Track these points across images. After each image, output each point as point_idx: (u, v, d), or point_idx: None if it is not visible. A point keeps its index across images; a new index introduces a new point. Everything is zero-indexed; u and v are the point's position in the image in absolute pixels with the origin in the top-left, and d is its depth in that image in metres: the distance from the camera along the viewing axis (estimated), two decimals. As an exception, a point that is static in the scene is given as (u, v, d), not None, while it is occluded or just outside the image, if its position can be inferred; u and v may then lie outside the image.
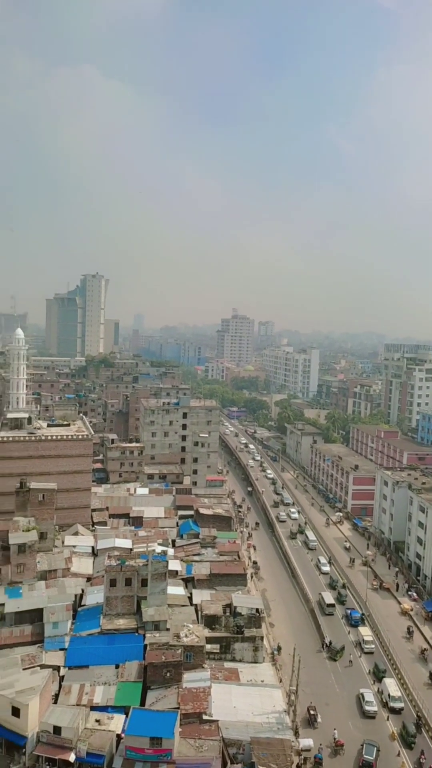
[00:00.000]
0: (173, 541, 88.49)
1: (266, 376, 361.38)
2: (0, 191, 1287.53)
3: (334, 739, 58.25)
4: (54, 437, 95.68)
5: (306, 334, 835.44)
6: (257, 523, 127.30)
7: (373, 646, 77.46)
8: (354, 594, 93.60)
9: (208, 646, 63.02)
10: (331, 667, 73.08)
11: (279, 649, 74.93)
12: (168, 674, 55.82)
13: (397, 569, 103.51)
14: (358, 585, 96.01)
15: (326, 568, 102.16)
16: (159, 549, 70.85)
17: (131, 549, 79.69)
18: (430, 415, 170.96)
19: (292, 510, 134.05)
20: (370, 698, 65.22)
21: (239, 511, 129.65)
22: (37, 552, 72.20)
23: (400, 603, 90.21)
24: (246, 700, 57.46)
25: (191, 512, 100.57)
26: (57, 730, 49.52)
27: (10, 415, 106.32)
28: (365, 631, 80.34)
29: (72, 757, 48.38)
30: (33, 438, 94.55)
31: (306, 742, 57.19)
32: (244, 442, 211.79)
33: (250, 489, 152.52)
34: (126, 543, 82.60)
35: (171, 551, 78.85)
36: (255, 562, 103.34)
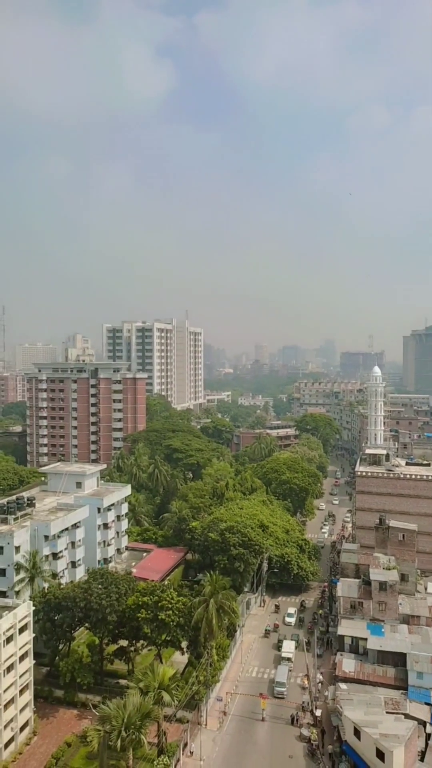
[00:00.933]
0: None
1: None
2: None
3: None
4: (413, 476, 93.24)
5: None
6: None
7: None
8: None
9: None
10: None
11: None
12: None
13: None
14: None
15: None
16: None
17: None
18: None
19: None
20: None
21: None
22: (398, 593, 70.69)
23: None
24: None
25: None
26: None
27: (368, 451, 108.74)
28: None
29: None
30: (392, 475, 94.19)
31: None
32: None
33: None
34: None
35: None
36: None
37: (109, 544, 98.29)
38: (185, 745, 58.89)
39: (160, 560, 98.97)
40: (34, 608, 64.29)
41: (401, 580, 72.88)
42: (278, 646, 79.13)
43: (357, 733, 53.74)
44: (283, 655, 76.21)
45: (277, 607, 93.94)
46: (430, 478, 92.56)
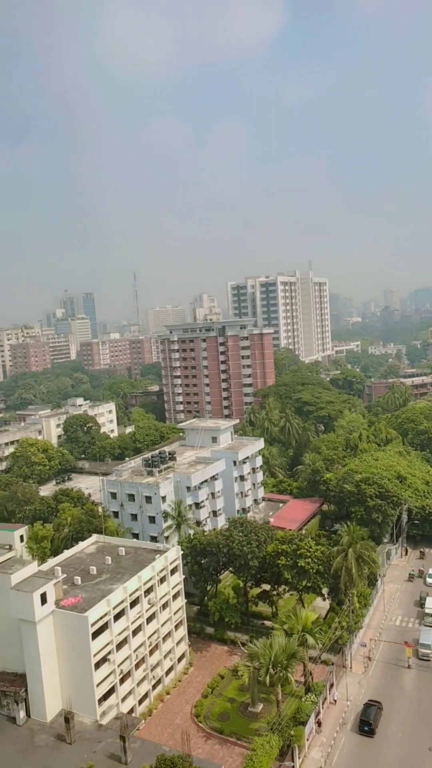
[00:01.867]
0: None
1: None
2: None
3: None
4: None
5: None
6: None
7: None
8: None
9: None
10: None
11: None
12: None
13: None
14: None
15: None
16: None
17: None
18: None
19: None
20: None
21: None
22: None
23: None
24: None
25: None
26: None
27: None
28: None
29: None
30: None
31: None
32: None
33: None
34: None
35: None
36: None
37: (246, 495, 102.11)
38: (331, 685, 61.02)
39: (296, 510, 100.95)
40: (182, 552, 69.39)
41: None
42: (421, 603, 77.17)
43: None
44: (427, 611, 73.86)
45: (422, 553, 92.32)
46: None
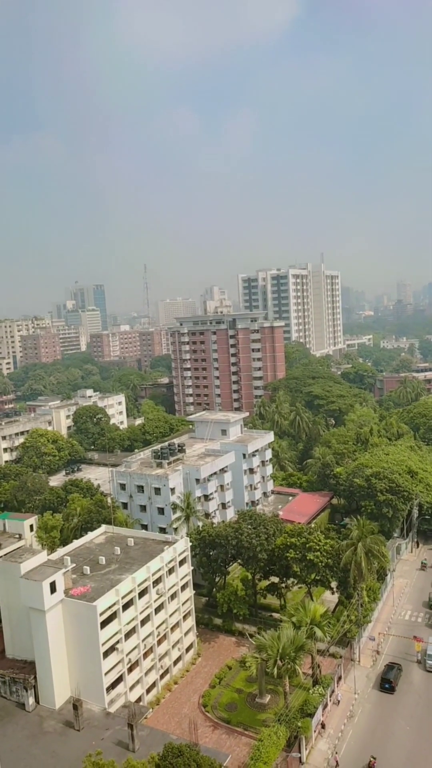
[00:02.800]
0: None
1: None
2: None
3: None
4: None
5: None
6: None
7: None
8: None
9: None
10: None
11: None
12: None
13: None
14: None
15: None
16: None
17: None
18: None
19: None
20: None
21: None
22: None
23: None
24: None
25: None
26: None
27: None
28: None
29: None
30: None
31: None
32: None
33: None
34: None
35: None
36: None
37: (255, 488, 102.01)
38: (339, 678, 60.96)
39: (305, 504, 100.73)
40: (191, 544, 69.46)
41: None
42: (429, 605, 75.64)
43: None
44: (430, 651, 68.52)
45: (423, 565, 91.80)
46: None
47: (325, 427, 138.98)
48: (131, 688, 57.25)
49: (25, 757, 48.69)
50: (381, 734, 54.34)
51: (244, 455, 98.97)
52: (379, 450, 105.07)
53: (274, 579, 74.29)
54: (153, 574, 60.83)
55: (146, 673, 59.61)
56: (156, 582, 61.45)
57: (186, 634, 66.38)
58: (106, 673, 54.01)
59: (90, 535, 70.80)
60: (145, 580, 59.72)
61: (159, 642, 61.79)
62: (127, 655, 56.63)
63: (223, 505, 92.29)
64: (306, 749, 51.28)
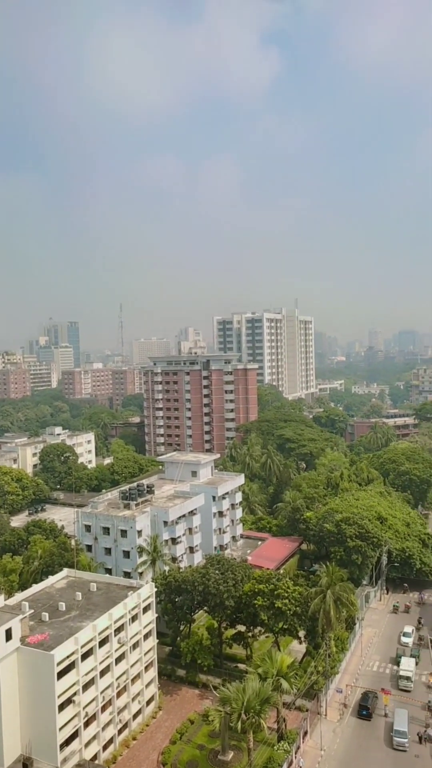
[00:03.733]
0: None
1: None
2: None
3: None
4: None
5: None
6: None
7: None
8: None
9: None
10: None
11: None
12: None
13: None
14: None
15: None
16: None
17: None
18: None
19: None
20: None
21: None
22: None
23: None
24: None
25: None
26: None
27: None
28: None
29: None
30: None
31: None
32: None
33: None
34: None
35: None
36: None
37: (224, 532, 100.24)
38: (305, 733, 58.73)
39: (274, 549, 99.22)
40: (156, 589, 67.31)
41: None
42: (396, 661, 72.44)
43: None
44: (402, 673, 68.02)
45: (405, 587, 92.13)
46: None
47: (296, 470, 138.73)
48: (87, 744, 54.04)
49: None
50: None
51: (214, 498, 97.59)
52: (349, 495, 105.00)
53: (241, 627, 72.16)
54: (115, 622, 58.44)
55: (103, 728, 56.47)
56: (118, 630, 58.99)
57: (147, 685, 63.50)
58: (60, 728, 50.94)
59: (51, 579, 68.03)
60: (107, 628, 57.27)
61: (118, 694, 58.88)
62: (84, 708, 53.66)
63: (191, 549, 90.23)
64: None
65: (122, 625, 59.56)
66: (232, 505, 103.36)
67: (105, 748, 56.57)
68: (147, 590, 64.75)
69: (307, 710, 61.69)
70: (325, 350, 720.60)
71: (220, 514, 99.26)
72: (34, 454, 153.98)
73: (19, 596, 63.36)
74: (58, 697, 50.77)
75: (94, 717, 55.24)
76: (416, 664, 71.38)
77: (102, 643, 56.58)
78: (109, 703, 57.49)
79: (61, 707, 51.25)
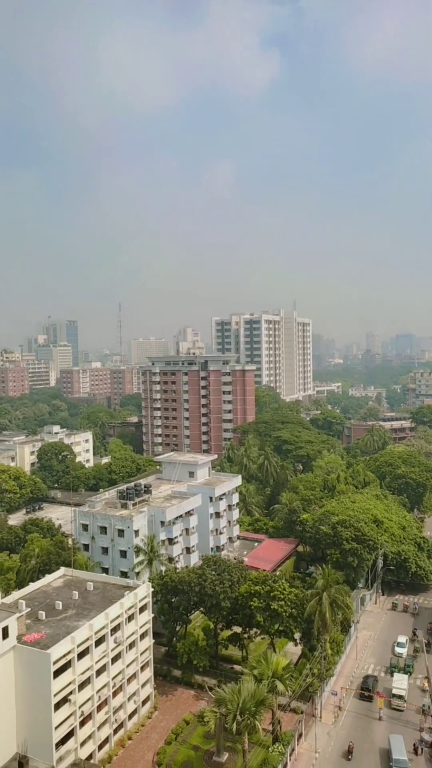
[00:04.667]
0: None
1: None
2: None
3: None
4: None
5: None
6: None
7: None
8: None
9: None
10: None
11: None
12: None
13: None
14: None
15: None
16: None
17: None
18: None
19: None
20: None
21: None
22: None
23: None
24: None
25: None
26: None
27: None
28: None
29: None
30: None
31: None
32: None
33: None
34: None
35: None
36: None
37: (221, 533, 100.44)
38: (300, 735, 58.92)
39: (271, 550, 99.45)
40: (152, 589, 67.44)
41: None
42: (390, 671, 71.72)
43: None
44: (394, 692, 65.64)
45: (394, 605, 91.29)
46: None
47: (293, 472, 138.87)
48: (82, 744, 54.15)
49: None
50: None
51: (211, 498, 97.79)
52: (345, 497, 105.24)
53: (237, 629, 72.35)
54: (111, 621, 58.57)
55: (99, 728, 56.60)
56: (114, 630, 59.12)
57: (143, 685, 63.62)
58: (56, 727, 51.04)
59: (48, 578, 68.13)
60: (103, 628, 57.40)
61: (114, 694, 59.01)
62: (79, 707, 53.77)
63: (188, 550, 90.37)
64: None
65: (118, 624, 59.69)
66: (229, 506, 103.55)
67: (100, 747, 56.70)
68: (143, 590, 64.89)
69: (302, 712, 61.90)
70: (322, 352, 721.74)
71: (217, 515, 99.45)
72: (32, 453, 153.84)
73: (15, 594, 63.45)
74: (54, 695, 50.89)
75: (89, 716, 55.37)
76: (409, 675, 70.35)
77: (98, 642, 56.71)
78: (105, 702, 57.61)
79: (57, 706, 51.37)
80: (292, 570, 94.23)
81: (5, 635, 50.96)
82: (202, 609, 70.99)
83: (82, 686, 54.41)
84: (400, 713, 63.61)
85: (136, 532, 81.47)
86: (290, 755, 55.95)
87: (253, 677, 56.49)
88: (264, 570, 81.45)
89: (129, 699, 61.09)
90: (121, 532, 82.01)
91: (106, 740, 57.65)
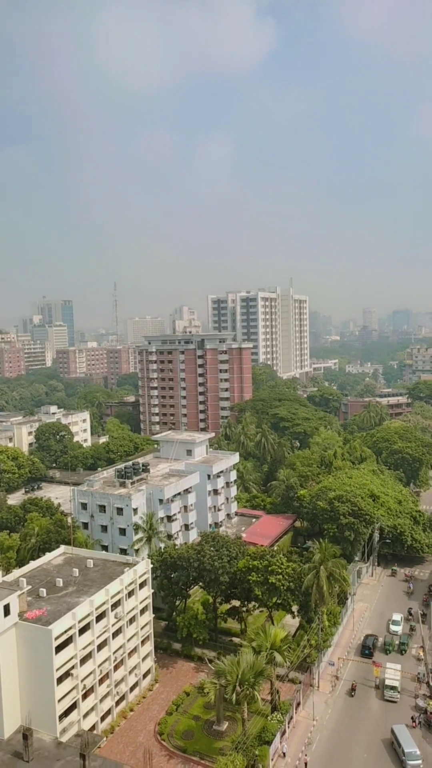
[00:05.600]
0: None
1: None
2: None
3: None
4: None
5: None
6: None
7: None
8: None
9: None
10: None
11: None
12: None
13: None
14: None
15: None
16: None
17: None
18: None
19: None
20: None
21: None
22: None
23: None
24: None
25: None
26: None
27: None
28: None
29: None
30: None
31: None
32: None
33: None
34: None
35: None
36: None
37: (219, 509, 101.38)
38: (298, 704, 60.30)
39: (269, 526, 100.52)
40: (152, 566, 68.24)
41: None
42: (386, 650, 71.10)
43: None
44: (387, 682, 63.19)
45: (393, 571, 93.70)
46: None
47: (291, 449, 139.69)
48: (85, 715, 55.34)
49: (-31, 791, 46.30)
50: (339, 762, 53.75)
51: (208, 476, 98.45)
52: (342, 473, 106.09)
53: (236, 602, 73.51)
54: (112, 597, 59.38)
55: (101, 700, 57.79)
56: (115, 605, 59.97)
57: (144, 659, 64.80)
58: (59, 700, 52.09)
59: (48, 556, 68.84)
60: (104, 604, 58.22)
61: (115, 667, 60.12)
62: (81, 681, 54.81)
63: (186, 527, 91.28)
64: (263, 779, 50.28)
65: (119, 600, 60.52)
66: (227, 484, 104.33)
67: (103, 719, 57.95)
68: (143, 566, 65.66)
69: (299, 682, 63.24)
70: (319, 329, 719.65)
71: (215, 492, 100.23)
72: (30, 433, 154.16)
73: (16, 573, 64.13)
74: (57, 670, 51.80)
75: (92, 689, 56.47)
76: (403, 653, 70.60)
77: (99, 618, 57.56)
78: (107, 676, 58.72)
79: (60, 680, 52.33)
80: (290, 545, 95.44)
81: (7, 612, 51.63)
82: (201, 584, 71.97)
83: (83, 660, 55.38)
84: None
85: (135, 510, 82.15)
86: (288, 723, 57.36)
87: (251, 649, 57.58)
88: (262, 545, 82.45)
89: (130, 672, 62.27)
90: (120, 510, 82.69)
91: (109, 712, 58.91)
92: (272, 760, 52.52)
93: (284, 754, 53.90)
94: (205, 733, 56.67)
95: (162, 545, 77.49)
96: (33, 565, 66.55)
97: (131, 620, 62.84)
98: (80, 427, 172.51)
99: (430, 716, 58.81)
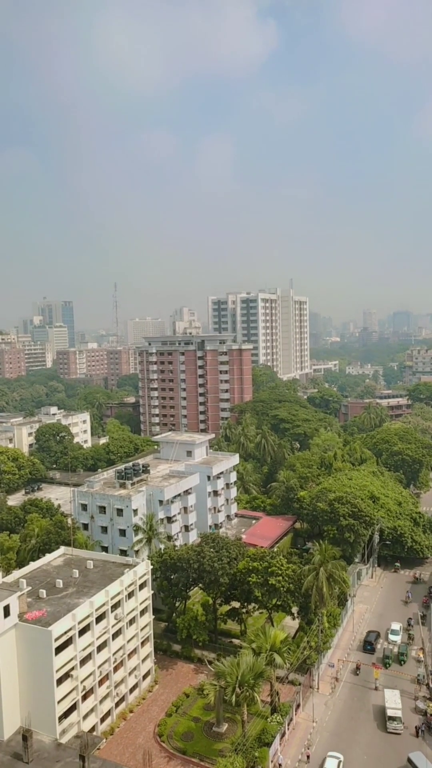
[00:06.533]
0: None
1: None
2: None
3: None
4: None
5: None
6: None
7: None
8: None
9: None
10: None
11: None
12: None
13: None
14: None
15: None
16: None
17: None
18: None
19: None
20: None
21: None
22: None
23: None
24: None
25: None
26: None
27: None
28: None
29: None
30: None
31: None
32: None
33: None
34: None
35: None
36: None
37: (219, 511, 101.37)
38: (298, 706, 60.27)
39: (268, 528, 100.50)
40: (151, 567, 68.25)
41: None
42: (385, 663, 68.27)
43: None
44: (389, 713, 58.58)
45: (397, 566, 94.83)
46: None
47: (291, 450, 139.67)
48: (84, 717, 55.34)
49: (-32, 792, 46.29)
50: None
51: (208, 477, 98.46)
52: (342, 475, 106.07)
53: (235, 604, 73.51)
54: (112, 599, 59.39)
55: (101, 702, 57.78)
56: (114, 606, 59.98)
57: (143, 660, 64.79)
58: (58, 702, 52.09)
59: (48, 557, 68.86)
60: (104, 605, 58.24)
61: (115, 669, 60.11)
62: (81, 682, 54.81)
63: (186, 528, 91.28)
64: (263, 780, 50.24)
65: (119, 601, 60.54)
66: (227, 485, 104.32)
67: (103, 720, 57.96)
68: (143, 568, 65.68)
69: (299, 684, 63.23)
70: (319, 331, 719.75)
71: (215, 493, 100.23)
72: (30, 434, 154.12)
73: (16, 573, 64.18)
74: (56, 671, 51.81)
75: (91, 691, 56.47)
76: (403, 663, 68.99)
77: (99, 619, 57.57)
78: (107, 677, 58.72)
79: (59, 681, 52.34)
80: (290, 546, 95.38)
81: (7, 614, 51.65)
82: (200, 585, 71.99)
83: (83, 662, 55.38)
84: (395, 680, 64.88)
85: (135, 511, 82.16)
86: (288, 725, 57.34)
87: (251, 650, 57.61)
88: (262, 547, 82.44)
89: (130, 673, 62.26)
90: (120, 512, 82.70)
91: (108, 713, 58.90)
92: (271, 762, 52.44)
93: (280, 765, 53.04)
94: (205, 735, 56.65)
95: (162, 546, 77.49)
96: (33, 566, 66.57)
97: (131, 621, 62.84)
98: (80, 428, 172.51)
99: (430, 718, 58.78)
